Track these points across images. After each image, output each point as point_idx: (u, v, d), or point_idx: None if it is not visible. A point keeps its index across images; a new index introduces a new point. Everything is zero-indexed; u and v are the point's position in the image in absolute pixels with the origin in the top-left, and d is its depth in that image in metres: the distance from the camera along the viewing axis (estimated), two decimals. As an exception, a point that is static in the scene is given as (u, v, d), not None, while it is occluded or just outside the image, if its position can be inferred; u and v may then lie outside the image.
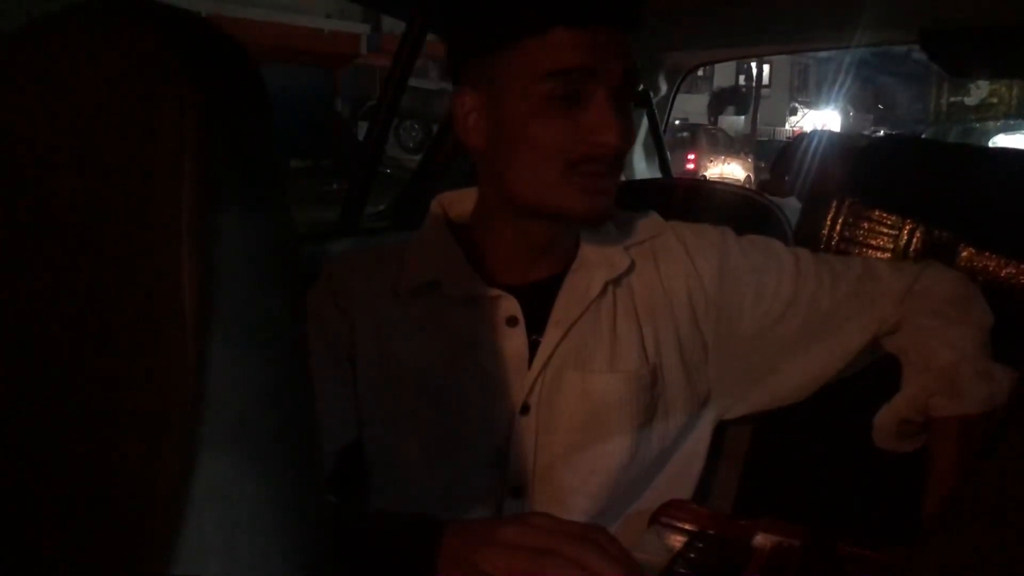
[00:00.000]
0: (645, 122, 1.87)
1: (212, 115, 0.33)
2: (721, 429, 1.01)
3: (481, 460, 0.89)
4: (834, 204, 1.18)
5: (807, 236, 1.19)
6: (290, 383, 0.36)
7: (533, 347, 0.90)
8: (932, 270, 0.93)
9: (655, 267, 0.95)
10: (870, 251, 1.16)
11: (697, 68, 2.01)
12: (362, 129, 11.62)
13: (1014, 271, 1.08)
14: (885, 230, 1.16)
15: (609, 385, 0.89)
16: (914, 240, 1.14)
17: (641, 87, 1.76)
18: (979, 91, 19.58)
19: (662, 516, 0.81)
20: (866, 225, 1.17)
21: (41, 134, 0.33)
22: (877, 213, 1.16)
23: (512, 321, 0.90)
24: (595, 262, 0.93)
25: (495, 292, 0.91)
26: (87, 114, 0.32)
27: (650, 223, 0.99)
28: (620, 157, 0.85)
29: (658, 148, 1.88)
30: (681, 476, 0.96)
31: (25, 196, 0.33)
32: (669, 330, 0.93)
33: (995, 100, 18.97)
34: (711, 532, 0.78)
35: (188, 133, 0.31)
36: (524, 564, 0.63)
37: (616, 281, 0.93)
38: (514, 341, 0.90)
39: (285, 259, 0.36)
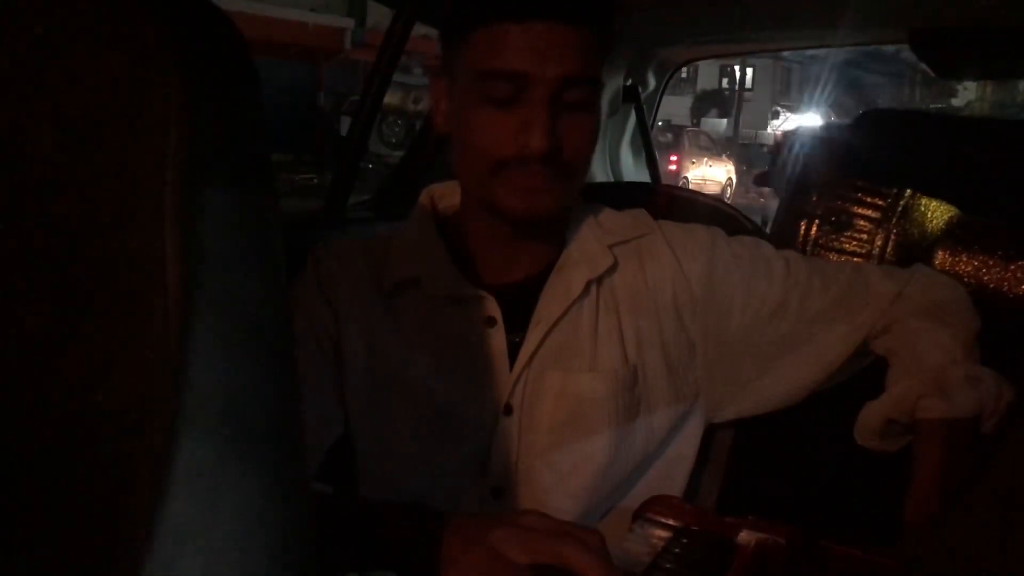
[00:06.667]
0: (632, 120, 1.86)
1: (199, 88, 0.32)
2: (707, 431, 1.00)
3: (464, 460, 0.88)
4: (803, 224, 1.19)
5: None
6: (275, 365, 0.35)
7: (516, 348, 0.89)
8: (922, 275, 0.93)
9: (640, 266, 0.94)
10: (844, 257, 1.17)
11: (686, 64, 2.01)
12: (345, 124, 11.59)
13: (995, 275, 1.09)
14: (855, 247, 1.17)
15: (589, 384, 0.89)
16: (888, 245, 1.14)
17: (630, 82, 1.75)
18: (967, 92, 19.74)
19: (647, 511, 0.81)
20: (836, 245, 1.18)
21: (20, 105, 0.32)
22: (847, 235, 1.17)
23: (491, 322, 0.89)
24: (577, 261, 0.92)
25: (475, 292, 0.90)
26: (70, 86, 0.31)
27: (636, 222, 0.98)
28: (555, 161, 0.83)
29: (645, 146, 1.86)
30: (667, 478, 0.95)
31: (1, 169, 0.31)
32: (652, 330, 0.92)
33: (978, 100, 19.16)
34: (696, 528, 0.77)
35: (174, 106, 0.31)
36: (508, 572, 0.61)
37: (599, 280, 0.92)
38: (494, 341, 0.89)
39: (270, 237, 0.35)
